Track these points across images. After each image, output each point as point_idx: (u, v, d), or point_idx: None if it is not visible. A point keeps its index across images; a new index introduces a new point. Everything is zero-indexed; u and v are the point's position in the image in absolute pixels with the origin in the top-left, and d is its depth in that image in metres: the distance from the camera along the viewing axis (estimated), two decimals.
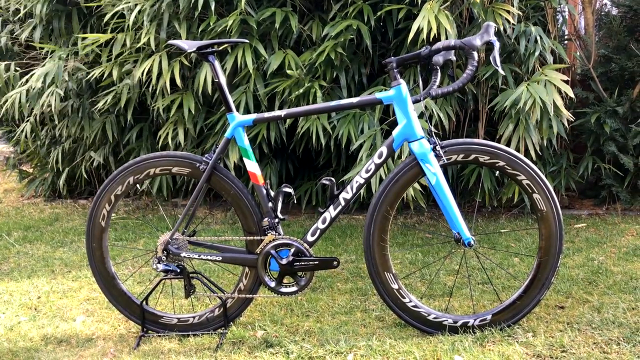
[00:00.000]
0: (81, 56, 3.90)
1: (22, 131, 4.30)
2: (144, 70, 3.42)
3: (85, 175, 4.31)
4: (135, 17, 3.41)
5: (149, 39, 3.42)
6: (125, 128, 4.11)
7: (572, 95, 3.16)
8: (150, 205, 4.30)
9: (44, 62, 4.06)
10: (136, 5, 3.44)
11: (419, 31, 2.91)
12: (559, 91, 3.13)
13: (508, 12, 3.05)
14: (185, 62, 3.47)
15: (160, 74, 3.45)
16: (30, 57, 4.43)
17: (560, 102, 3.07)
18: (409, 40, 2.97)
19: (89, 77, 3.78)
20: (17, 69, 4.30)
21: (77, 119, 4.12)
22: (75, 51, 3.97)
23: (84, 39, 3.79)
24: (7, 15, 4.54)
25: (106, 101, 3.73)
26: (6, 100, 4.00)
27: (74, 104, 4.09)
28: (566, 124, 3.22)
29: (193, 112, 3.52)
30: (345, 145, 3.31)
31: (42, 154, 4.60)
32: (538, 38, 3.16)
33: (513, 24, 3.12)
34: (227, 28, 3.22)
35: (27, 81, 4.00)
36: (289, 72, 3.24)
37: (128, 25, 3.52)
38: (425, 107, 3.09)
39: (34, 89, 3.84)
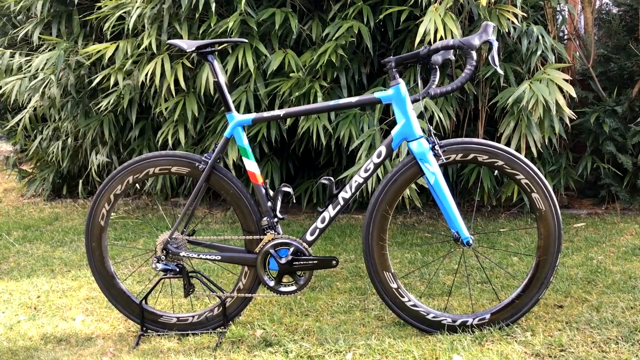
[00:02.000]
0: (84, 53, 3.90)
1: (17, 123, 4.29)
2: (147, 73, 3.41)
3: (96, 176, 4.26)
4: (134, 21, 3.40)
5: (150, 42, 3.41)
6: (125, 127, 4.11)
7: (574, 95, 3.17)
8: (149, 205, 4.31)
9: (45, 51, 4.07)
10: (137, 9, 3.42)
11: (424, 34, 2.91)
12: (561, 90, 3.14)
13: (509, 12, 3.05)
14: (187, 64, 3.46)
15: (162, 75, 3.44)
16: (31, 48, 4.42)
17: (562, 101, 3.08)
18: (416, 42, 2.96)
19: (91, 79, 3.78)
20: (13, 57, 4.29)
21: (75, 114, 4.11)
22: (77, 50, 3.97)
23: (85, 43, 3.79)
24: (7, 12, 4.54)
25: (109, 102, 3.72)
26: (5, 85, 4.01)
27: (72, 99, 4.09)
28: (568, 122, 3.22)
29: (197, 114, 3.52)
30: (347, 147, 3.31)
31: (43, 148, 4.59)
32: (540, 37, 3.17)
33: (515, 25, 3.12)
34: (228, 29, 3.22)
35: (24, 65, 3.99)
36: (291, 75, 3.25)
37: (128, 27, 3.50)
38: (425, 107, 3.09)
39: (34, 77, 3.84)
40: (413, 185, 3.14)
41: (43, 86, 3.91)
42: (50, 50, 4.05)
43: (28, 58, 4.22)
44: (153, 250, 2.14)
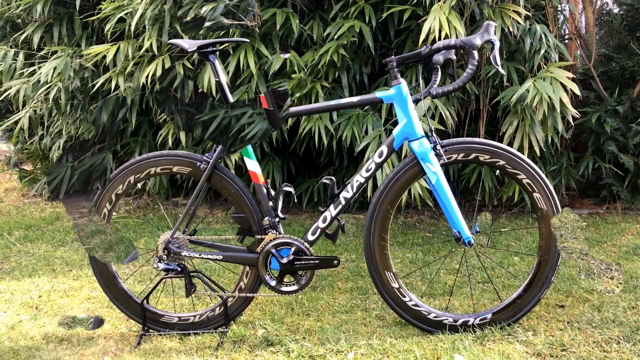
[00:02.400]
0: (85, 55, 3.90)
1: (16, 123, 4.28)
2: (148, 74, 3.41)
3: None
4: (136, 23, 3.39)
5: (151, 43, 3.40)
6: (125, 128, 4.11)
7: (578, 93, 3.16)
8: (150, 205, 4.31)
9: (50, 58, 4.06)
10: (137, 10, 3.41)
11: (429, 32, 2.91)
12: (564, 88, 3.14)
13: (512, 11, 3.05)
14: (188, 65, 3.45)
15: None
16: (30, 48, 4.42)
17: (566, 99, 3.08)
18: (420, 41, 2.96)
19: (94, 83, 3.78)
20: (16, 59, 4.28)
21: (77, 116, 4.11)
22: (81, 53, 3.97)
23: (88, 45, 3.78)
24: (10, 17, 4.54)
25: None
26: (9, 88, 3.99)
27: (74, 102, 4.08)
28: (571, 120, 3.22)
29: None
30: (349, 147, 3.31)
31: (43, 148, 4.59)
32: (543, 36, 3.17)
33: (519, 23, 3.12)
34: (230, 31, 3.21)
35: (31, 74, 3.99)
36: (293, 76, 3.25)
37: (129, 29, 3.49)
38: (429, 107, 3.09)
39: (40, 82, 3.83)
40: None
41: (51, 93, 3.90)
42: (53, 55, 4.04)
43: (31, 61, 4.22)
44: (154, 250, 2.14)
